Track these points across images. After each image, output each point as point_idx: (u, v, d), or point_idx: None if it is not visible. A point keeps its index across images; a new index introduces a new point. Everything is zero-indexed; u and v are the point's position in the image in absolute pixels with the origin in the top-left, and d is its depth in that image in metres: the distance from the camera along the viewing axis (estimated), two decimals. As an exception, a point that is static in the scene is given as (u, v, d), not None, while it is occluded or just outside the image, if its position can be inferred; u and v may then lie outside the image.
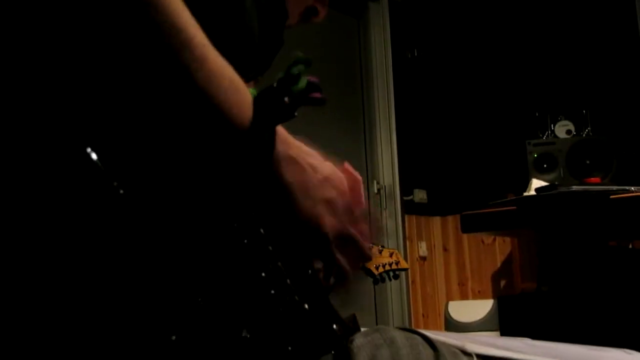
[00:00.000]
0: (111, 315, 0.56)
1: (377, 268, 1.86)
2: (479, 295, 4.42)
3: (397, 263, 1.92)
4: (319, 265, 0.92)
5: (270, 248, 0.66)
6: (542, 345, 0.96)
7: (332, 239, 0.78)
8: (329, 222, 0.77)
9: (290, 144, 0.75)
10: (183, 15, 0.63)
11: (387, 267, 1.90)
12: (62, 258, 0.56)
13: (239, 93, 0.68)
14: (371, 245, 0.86)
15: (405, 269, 1.99)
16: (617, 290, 2.36)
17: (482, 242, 4.45)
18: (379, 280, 1.90)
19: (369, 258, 0.83)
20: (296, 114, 0.73)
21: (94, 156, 0.57)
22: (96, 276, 0.57)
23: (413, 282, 4.30)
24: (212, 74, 0.64)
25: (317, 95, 0.76)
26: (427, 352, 0.78)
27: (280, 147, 0.73)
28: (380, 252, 1.91)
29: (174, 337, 0.55)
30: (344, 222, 0.79)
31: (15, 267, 0.56)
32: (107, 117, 0.60)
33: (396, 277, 1.94)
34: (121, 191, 0.57)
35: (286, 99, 0.72)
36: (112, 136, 0.60)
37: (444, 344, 0.81)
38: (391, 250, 1.95)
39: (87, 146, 0.57)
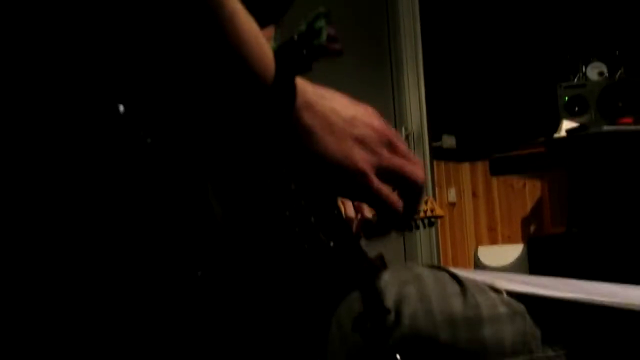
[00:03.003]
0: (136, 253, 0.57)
1: (411, 216, 1.86)
2: (508, 240, 4.41)
3: (432, 210, 1.91)
4: (367, 213, 0.91)
5: (293, 187, 0.66)
6: (571, 282, 0.96)
7: (371, 174, 0.74)
8: (363, 157, 0.74)
9: (309, 92, 0.74)
10: None
11: (422, 215, 1.90)
12: (87, 201, 0.57)
13: (262, 47, 0.68)
14: (422, 175, 0.78)
15: (441, 217, 1.97)
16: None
17: (512, 187, 4.42)
18: (412, 227, 1.89)
19: (421, 192, 0.78)
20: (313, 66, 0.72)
21: (121, 107, 0.59)
22: (123, 217, 0.58)
23: (442, 227, 4.30)
24: (240, 28, 0.65)
25: (335, 46, 0.75)
26: (454, 287, 0.78)
27: (300, 96, 0.72)
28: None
29: (199, 273, 0.56)
30: (383, 154, 0.76)
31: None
32: (136, 70, 0.61)
33: (431, 224, 1.93)
34: (148, 140, 0.59)
35: (305, 51, 0.71)
36: (141, 88, 0.61)
37: (471, 280, 0.81)
38: (425, 198, 1.94)
39: (116, 99, 0.58)
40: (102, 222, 0.58)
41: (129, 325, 0.58)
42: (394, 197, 0.75)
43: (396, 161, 0.75)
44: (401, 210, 0.75)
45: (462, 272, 0.82)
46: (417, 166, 0.78)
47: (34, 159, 0.58)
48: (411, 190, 0.76)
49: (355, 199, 0.77)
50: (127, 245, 0.57)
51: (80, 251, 0.57)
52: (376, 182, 0.74)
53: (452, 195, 4.42)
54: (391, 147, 0.77)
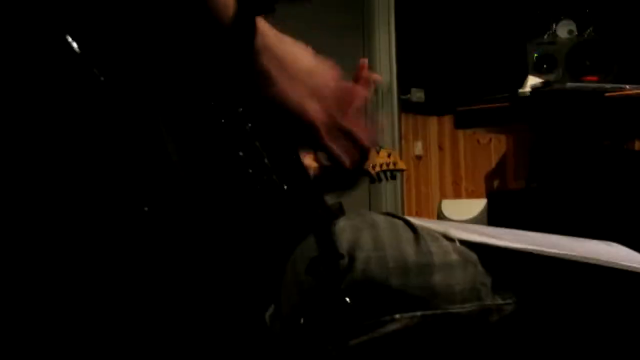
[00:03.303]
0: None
1: (373, 167, 1.86)
2: (472, 194, 4.47)
3: (394, 164, 1.92)
4: (324, 160, 0.92)
5: (249, 128, 0.66)
6: (525, 234, 0.98)
7: (321, 128, 0.77)
8: (314, 109, 0.76)
9: (269, 35, 0.74)
10: None
11: (384, 167, 1.90)
12: (38, 135, 0.57)
13: None
14: (370, 142, 0.83)
15: (403, 170, 1.99)
16: (606, 188, 2.38)
17: (478, 142, 4.46)
18: (375, 179, 1.91)
19: (366, 153, 0.82)
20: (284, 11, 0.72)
21: (74, 45, 0.57)
22: (74, 152, 0.57)
23: (407, 181, 4.33)
24: None
25: None
26: (408, 234, 0.79)
27: (259, 39, 0.72)
28: (378, 151, 1.90)
29: (146, 208, 0.56)
30: (334, 113, 0.78)
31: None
32: (91, 8, 0.60)
33: (393, 177, 1.94)
34: (102, 78, 0.58)
35: None
36: (95, 24, 0.59)
37: (425, 228, 0.82)
38: (389, 151, 1.94)
39: (67, 34, 0.57)
40: (56, 157, 0.57)
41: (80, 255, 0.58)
42: (341, 153, 0.78)
43: (345, 124, 0.78)
44: (347, 166, 0.78)
45: (417, 221, 0.83)
46: (365, 131, 0.81)
47: None
48: (357, 151, 0.80)
49: (308, 147, 0.78)
50: (77, 178, 0.57)
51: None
52: (325, 137, 0.77)
53: (418, 148, 4.44)
54: (345, 104, 0.79)
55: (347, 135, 0.80)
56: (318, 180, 0.86)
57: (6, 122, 0.56)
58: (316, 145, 0.79)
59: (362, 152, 0.82)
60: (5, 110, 0.56)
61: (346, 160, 0.79)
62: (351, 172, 0.81)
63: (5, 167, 0.57)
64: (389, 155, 1.91)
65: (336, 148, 0.79)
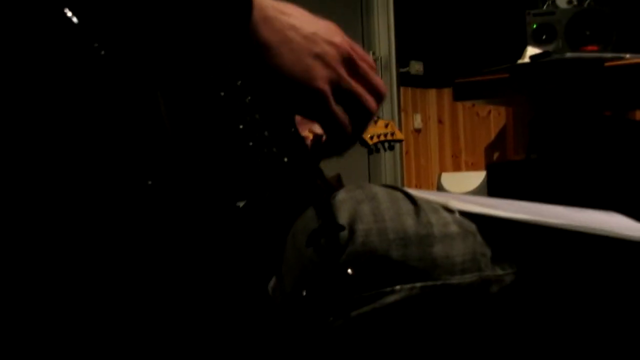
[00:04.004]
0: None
1: (371, 138, 1.86)
2: (471, 167, 4.47)
3: (392, 134, 1.92)
4: (317, 130, 0.92)
5: (248, 100, 0.66)
6: (522, 204, 0.98)
7: (329, 94, 0.75)
8: (322, 75, 0.74)
9: (268, 7, 0.72)
10: None
11: (382, 138, 1.90)
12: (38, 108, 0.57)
13: None
14: (377, 100, 0.80)
15: (400, 140, 1.99)
16: (607, 158, 2.37)
17: (477, 114, 4.45)
18: (373, 150, 1.91)
19: (372, 113, 0.80)
20: None
21: (74, 19, 0.57)
22: (74, 126, 0.57)
23: (407, 153, 4.33)
24: None
25: None
26: (407, 207, 0.79)
27: (257, 12, 0.71)
28: (375, 122, 1.90)
29: (150, 182, 0.56)
30: (342, 74, 0.77)
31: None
32: None
33: (391, 148, 1.94)
34: (102, 52, 0.58)
35: None
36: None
37: (425, 200, 0.82)
38: (386, 122, 1.94)
39: (66, 7, 0.57)
40: (55, 129, 0.57)
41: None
42: (346, 119, 0.76)
43: (353, 84, 0.76)
44: (350, 133, 0.77)
45: (416, 192, 0.83)
46: (376, 86, 0.79)
47: None
48: (361, 115, 0.78)
49: (310, 116, 0.77)
50: (78, 155, 0.57)
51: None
52: (333, 103, 0.75)
53: (417, 121, 4.43)
54: (351, 65, 0.77)
55: (354, 100, 0.78)
56: (314, 150, 0.86)
57: (5, 93, 0.56)
58: (320, 113, 0.77)
59: (367, 114, 0.79)
60: (4, 81, 0.56)
61: (349, 126, 0.78)
62: (349, 137, 0.79)
63: (3, 138, 0.57)
64: (386, 126, 1.91)
65: (341, 113, 0.77)
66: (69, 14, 0.57)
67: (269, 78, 0.73)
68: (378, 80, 0.80)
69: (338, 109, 0.76)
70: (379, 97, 0.80)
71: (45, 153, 0.57)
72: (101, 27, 0.59)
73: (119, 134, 0.58)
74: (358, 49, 0.79)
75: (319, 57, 0.74)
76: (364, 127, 0.81)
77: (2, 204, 0.58)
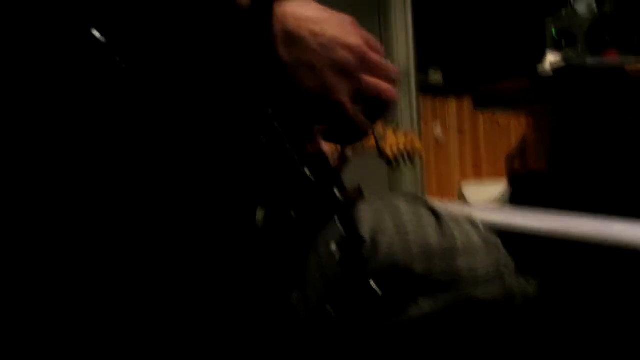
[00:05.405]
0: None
1: (390, 149, 1.86)
2: (493, 176, 4.44)
3: (411, 145, 1.91)
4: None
5: (270, 112, 0.67)
6: (547, 216, 0.98)
7: (348, 103, 0.76)
8: (341, 87, 0.76)
9: (288, 18, 0.73)
10: None
11: (402, 149, 1.90)
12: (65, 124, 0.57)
13: None
14: (392, 85, 0.82)
15: (419, 151, 1.98)
16: (631, 166, 2.34)
17: (498, 123, 4.42)
18: (392, 161, 1.91)
19: (390, 104, 0.81)
20: None
21: (97, 34, 0.58)
22: (97, 139, 0.58)
23: (427, 164, 4.31)
24: None
25: None
26: (430, 219, 0.79)
27: (277, 26, 0.72)
28: (395, 133, 1.90)
29: (173, 195, 0.56)
30: (361, 80, 0.77)
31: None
32: None
33: (411, 159, 1.94)
34: (124, 65, 0.59)
35: None
36: (116, 14, 0.60)
37: (447, 211, 0.82)
38: (405, 133, 1.94)
39: (91, 25, 0.58)
40: (78, 145, 0.58)
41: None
42: (364, 120, 0.78)
43: (371, 84, 0.78)
44: (368, 130, 0.79)
45: (438, 204, 0.83)
46: (389, 72, 0.80)
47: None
48: (381, 107, 0.79)
49: (329, 124, 0.78)
50: (98, 163, 0.57)
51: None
52: (352, 110, 0.76)
53: (437, 130, 4.42)
54: (367, 63, 0.78)
55: (372, 96, 0.79)
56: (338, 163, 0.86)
57: (34, 106, 0.57)
58: (340, 121, 0.78)
59: (386, 103, 0.81)
60: (34, 95, 0.57)
61: (367, 126, 0.79)
62: (362, 134, 0.81)
63: (29, 149, 0.57)
64: (405, 137, 1.91)
65: (359, 116, 0.78)
66: (94, 30, 0.58)
67: (289, 92, 0.73)
68: (389, 66, 0.83)
69: (357, 113, 0.78)
70: (393, 82, 0.83)
71: (71, 160, 0.58)
72: (124, 42, 0.60)
73: (145, 146, 0.59)
74: (371, 40, 0.81)
75: (337, 66, 0.75)
76: (380, 117, 0.83)
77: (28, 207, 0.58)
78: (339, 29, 0.77)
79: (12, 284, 0.59)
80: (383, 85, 0.80)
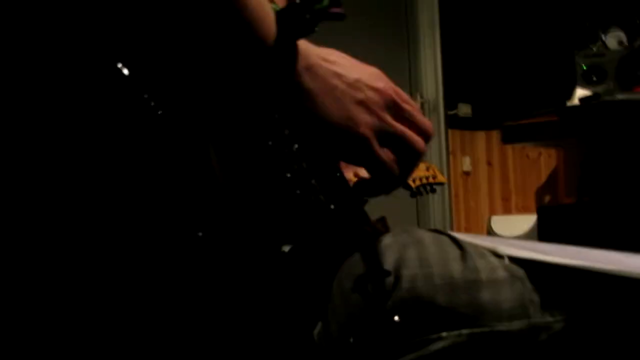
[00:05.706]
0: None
1: (413, 181, 1.86)
2: (522, 210, 4.40)
3: (434, 177, 1.91)
4: (363, 173, 0.93)
5: (295, 148, 0.67)
6: (573, 249, 0.96)
7: (372, 139, 0.76)
8: (365, 121, 0.75)
9: (312, 55, 0.74)
10: None
11: (424, 181, 1.90)
12: (90, 162, 0.59)
13: (264, 9, 0.68)
14: (425, 140, 0.80)
15: (442, 183, 1.97)
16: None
17: (527, 156, 4.40)
18: (415, 193, 1.90)
19: (421, 153, 0.80)
20: (316, 29, 0.72)
21: (125, 71, 0.59)
22: (124, 179, 0.59)
23: (456, 196, 4.29)
24: None
25: (337, 10, 0.75)
26: (454, 252, 0.79)
27: (301, 60, 0.72)
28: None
29: (200, 234, 0.57)
30: (386, 118, 0.77)
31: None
32: (138, 34, 0.61)
33: (433, 190, 1.93)
34: (152, 103, 0.60)
35: (307, 15, 0.71)
36: (143, 51, 0.61)
37: (472, 244, 0.81)
38: (427, 164, 1.94)
39: (119, 61, 0.59)
40: (104, 183, 0.59)
41: (129, 286, 0.60)
42: (392, 162, 0.77)
43: (398, 127, 0.77)
44: (397, 174, 0.77)
45: (463, 237, 0.83)
46: (423, 126, 0.79)
47: (35, 118, 0.58)
48: (409, 156, 0.78)
49: (355, 162, 0.78)
50: (128, 205, 0.58)
51: (78, 206, 0.58)
52: (377, 148, 0.75)
53: (466, 164, 4.40)
54: (396, 109, 0.77)
55: (399, 142, 0.78)
56: (359, 193, 0.86)
57: (63, 142, 0.58)
58: (364, 158, 0.77)
59: (415, 154, 0.79)
60: (62, 131, 0.58)
61: (395, 169, 0.78)
62: (395, 178, 0.79)
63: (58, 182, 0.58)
64: (427, 169, 1.90)
65: (386, 157, 0.77)
66: (120, 66, 0.59)
67: (313, 125, 0.74)
68: (425, 120, 0.81)
69: (383, 153, 0.77)
70: (426, 136, 0.81)
71: (100, 197, 0.59)
72: (151, 79, 0.61)
73: (169, 184, 0.59)
74: (402, 92, 0.79)
75: (362, 103, 0.75)
76: (413, 167, 0.81)
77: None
78: (366, 75, 0.77)
79: (10, 284, 0.59)
80: (413, 134, 0.79)
